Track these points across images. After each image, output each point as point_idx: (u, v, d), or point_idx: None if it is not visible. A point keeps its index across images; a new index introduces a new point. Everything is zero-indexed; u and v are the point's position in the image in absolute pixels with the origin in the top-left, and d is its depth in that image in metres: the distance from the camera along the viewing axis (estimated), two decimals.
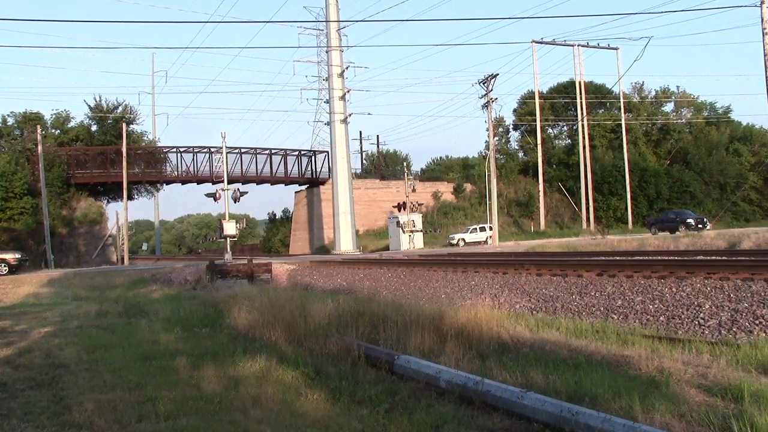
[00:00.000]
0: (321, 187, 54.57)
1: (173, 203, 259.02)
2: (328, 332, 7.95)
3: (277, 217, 69.54)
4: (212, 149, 51.17)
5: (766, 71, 28.97)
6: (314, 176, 55.57)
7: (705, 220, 43.21)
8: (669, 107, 65.68)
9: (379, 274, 19.88)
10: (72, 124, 51.45)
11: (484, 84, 41.27)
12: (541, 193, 52.85)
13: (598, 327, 9.21)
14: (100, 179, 48.46)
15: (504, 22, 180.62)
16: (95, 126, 52.37)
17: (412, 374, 5.99)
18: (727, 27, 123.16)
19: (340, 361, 6.86)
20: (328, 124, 47.68)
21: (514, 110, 64.72)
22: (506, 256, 24.06)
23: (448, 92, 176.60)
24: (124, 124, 46.89)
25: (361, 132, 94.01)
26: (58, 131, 50.25)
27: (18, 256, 28.90)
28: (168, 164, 52.32)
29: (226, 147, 31.15)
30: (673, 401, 4.82)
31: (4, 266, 27.79)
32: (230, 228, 27.46)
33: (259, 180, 54.02)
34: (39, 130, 39.85)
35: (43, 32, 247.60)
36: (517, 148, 67.05)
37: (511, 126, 66.27)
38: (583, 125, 54.70)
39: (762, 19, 28.70)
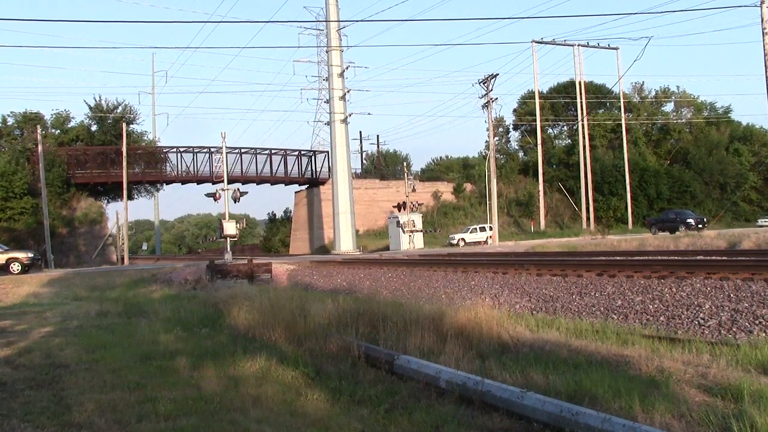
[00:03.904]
0: (321, 187, 54.57)
1: (173, 203, 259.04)
2: (328, 332, 7.95)
3: (277, 217, 69.54)
4: (212, 149, 51.19)
5: (766, 71, 28.98)
6: (314, 176, 55.57)
7: (704, 221, 43.27)
8: (669, 107, 65.75)
9: (379, 274, 19.89)
10: (72, 124, 51.52)
11: (484, 84, 41.28)
12: (541, 193, 52.85)
13: (598, 327, 9.22)
14: (100, 179, 48.46)
15: (504, 22, 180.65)
16: (95, 126, 52.36)
17: (412, 374, 5.99)
18: (727, 27, 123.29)
19: (340, 361, 6.86)
20: (328, 124, 47.69)
21: (514, 110, 64.78)
22: (506, 256, 24.07)
23: (448, 92, 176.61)
24: (124, 124, 46.87)
25: (361, 132, 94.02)
26: (58, 131, 50.25)
27: (31, 255, 29.33)
28: (168, 164, 52.31)
29: (226, 147, 31.16)
30: (673, 401, 4.82)
31: (18, 265, 28.06)
32: (230, 228, 27.47)
33: (259, 180, 54.02)
34: (39, 130, 39.81)
35: (43, 32, 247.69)
36: (517, 148, 67.13)
37: (511, 126, 66.35)
38: (583, 125, 54.69)
39: (762, 19, 28.71)
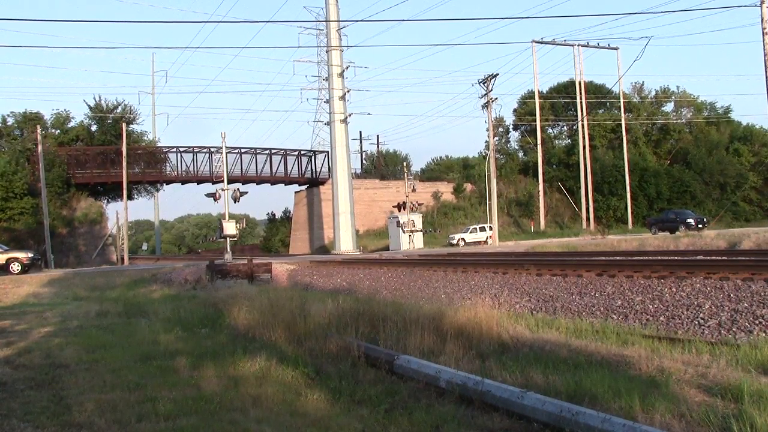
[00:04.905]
0: (321, 187, 54.57)
1: (173, 203, 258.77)
2: (328, 332, 7.95)
3: (277, 217, 69.52)
4: (212, 149, 51.18)
5: (766, 71, 28.98)
6: (314, 176, 55.57)
7: (704, 221, 43.11)
8: (669, 107, 65.68)
9: (379, 274, 19.89)
10: (72, 124, 51.52)
11: (484, 84, 41.27)
12: (541, 193, 52.84)
13: (598, 327, 9.22)
14: (100, 179, 48.47)
15: (504, 22, 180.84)
16: (95, 126, 52.37)
17: (412, 374, 5.99)
18: (727, 27, 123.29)
19: (340, 361, 6.86)
20: (328, 124, 47.68)
21: (514, 110, 64.76)
22: (506, 256, 24.06)
23: (448, 92, 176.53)
24: (124, 124, 46.87)
25: (361, 132, 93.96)
26: (58, 131, 50.24)
27: (31, 255, 29.39)
28: (168, 164, 52.31)
29: (226, 147, 31.16)
30: (673, 401, 4.82)
31: (18, 265, 28.09)
32: (230, 228, 27.47)
33: (259, 180, 54.02)
34: (39, 130, 39.82)
35: (43, 32, 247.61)
36: (517, 148, 67.09)
37: (511, 126, 66.30)
38: (583, 125, 54.68)
39: (762, 19, 28.70)
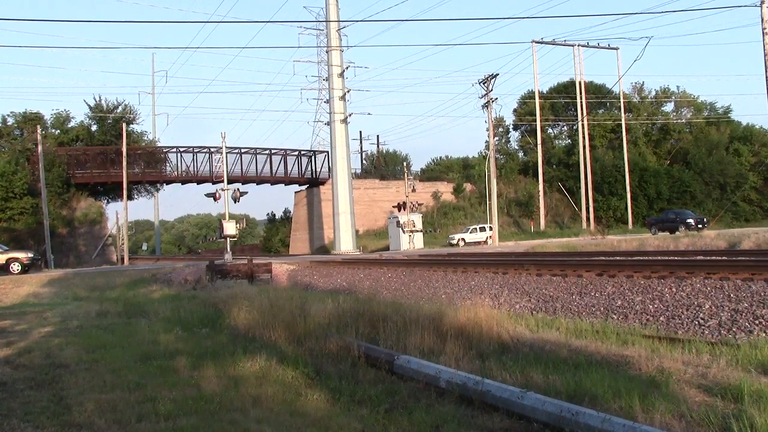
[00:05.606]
0: (321, 187, 54.58)
1: (173, 203, 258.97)
2: (328, 332, 7.96)
3: (277, 217, 69.54)
4: (212, 149, 51.20)
5: (766, 71, 28.98)
6: (314, 176, 55.58)
7: (704, 221, 43.06)
8: (669, 107, 65.67)
9: (379, 274, 19.89)
10: (72, 124, 51.55)
11: (484, 84, 41.28)
12: (541, 193, 52.84)
13: (598, 327, 9.22)
14: (100, 179, 48.47)
15: (504, 22, 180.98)
16: (95, 126, 52.38)
17: (412, 374, 5.99)
18: (727, 27, 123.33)
19: (340, 361, 6.86)
20: (328, 124, 47.69)
21: (514, 110, 64.76)
22: (506, 256, 24.06)
23: (448, 92, 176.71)
24: (124, 124, 46.89)
25: (361, 132, 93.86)
26: (58, 131, 50.26)
27: (31, 255, 29.44)
28: (168, 164, 52.33)
29: (226, 147, 31.18)
30: (673, 401, 4.82)
31: (18, 265, 28.11)
32: (230, 228, 27.48)
33: (259, 180, 54.03)
34: (39, 130, 39.84)
35: (43, 32, 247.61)
36: (517, 148, 67.10)
37: (511, 126, 66.31)
38: (583, 125, 54.67)
39: (762, 19, 28.70)
